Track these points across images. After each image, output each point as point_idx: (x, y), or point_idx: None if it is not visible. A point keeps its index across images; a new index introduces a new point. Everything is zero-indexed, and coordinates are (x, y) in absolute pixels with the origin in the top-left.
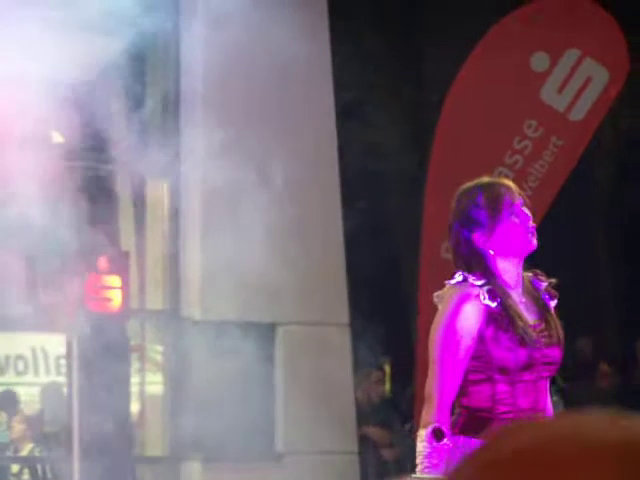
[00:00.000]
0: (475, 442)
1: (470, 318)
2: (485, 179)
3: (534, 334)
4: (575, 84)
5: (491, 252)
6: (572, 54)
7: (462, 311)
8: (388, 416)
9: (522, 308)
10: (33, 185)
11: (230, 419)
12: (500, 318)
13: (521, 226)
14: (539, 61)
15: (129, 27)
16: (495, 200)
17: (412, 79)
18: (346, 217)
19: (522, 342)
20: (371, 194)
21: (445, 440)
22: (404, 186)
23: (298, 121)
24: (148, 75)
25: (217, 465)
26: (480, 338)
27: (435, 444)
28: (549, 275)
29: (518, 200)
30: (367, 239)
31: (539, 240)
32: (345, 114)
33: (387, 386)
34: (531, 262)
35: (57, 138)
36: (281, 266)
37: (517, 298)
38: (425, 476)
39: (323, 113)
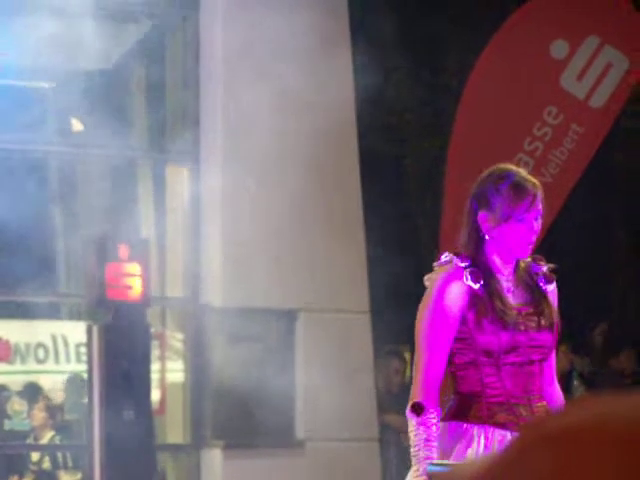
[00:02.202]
0: (465, 426)
1: (453, 298)
2: (522, 171)
3: (516, 316)
4: (595, 71)
5: (487, 237)
6: (592, 41)
7: (445, 291)
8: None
9: (507, 291)
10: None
11: (251, 406)
12: (481, 300)
13: (523, 234)
14: (559, 48)
15: (150, 14)
16: (516, 197)
17: (432, 64)
18: (366, 203)
19: (504, 325)
20: (391, 180)
21: (431, 416)
22: (424, 171)
23: (317, 105)
24: (168, 61)
25: (238, 452)
26: (463, 319)
27: (416, 418)
28: (570, 262)
29: (536, 209)
30: (387, 225)
31: (560, 227)
32: (365, 99)
33: (407, 373)
34: (551, 250)
35: (77, 125)
36: (302, 253)
37: (504, 282)
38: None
39: (343, 98)
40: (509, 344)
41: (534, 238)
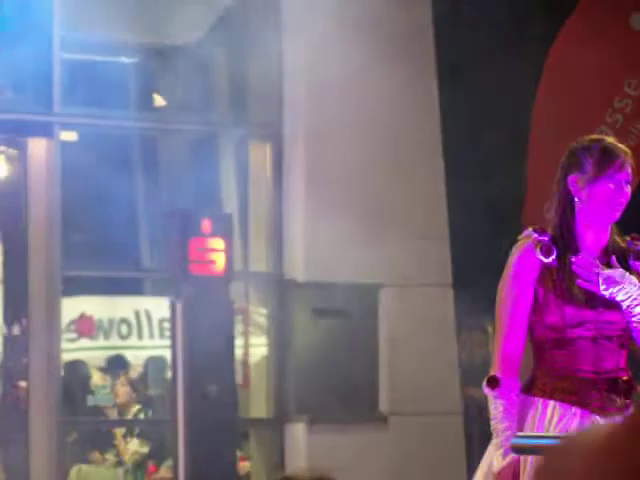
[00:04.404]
0: (531, 400)
1: (527, 272)
2: (611, 138)
3: (580, 292)
4: None
5: (576, 200)
6: None
7: (520, 265)
8: None
9: (583, 267)
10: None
11: (334, 381)
12: (551, 273)
13: (613, 195)
14: (638, 20)
15: None
16: (608, 156)
17: (511, 41)
18: (450, 182)
19: (569, 299)
20: (474, 153)
21: (508, 389)
22: (507, 149)
23: (399, 87)
24: (250, 36)
25: (321, 427)
26: (535, 293)
27: (491, 392)
28: None
29: (626, 172)
30: (471, 202)
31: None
32: (447, 80)
33: (490, 346)
34: (628, 225)
35: (159, 101)
36: (385, 228)
37: (587, 259)
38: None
39: (425, 78)
40: (574, 318)
41: (624, 201)
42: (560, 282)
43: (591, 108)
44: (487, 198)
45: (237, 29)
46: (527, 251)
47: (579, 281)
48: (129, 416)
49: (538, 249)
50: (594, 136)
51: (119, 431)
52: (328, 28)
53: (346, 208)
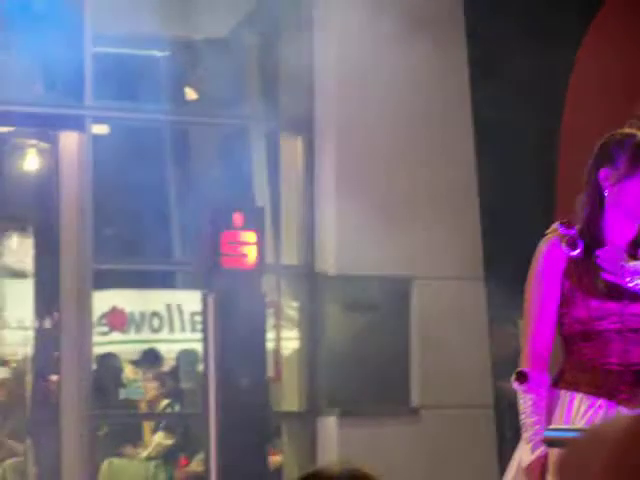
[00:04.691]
0: (558, 393)
1: (553, 265)
2: None
3: (604, 285)
4: None
5: (606, 194)
6: None
7: (546, 259)
8: None
9: (608, 260)
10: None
11: (366, 374)
12: (576, 266)
13: None
14: None
15: None
16: None
17: (542, 33)
18: (481, 175)
19: (594, 292)
20: (505, 150)
21: (536, 383)
22: (538, 140)
23: (431, 78)
24: (282, 30)
25: (353, 420)
26: (562, 286)
27: (520, 387)
28: None
29: None
30: (503, 194)
31: None
32: (478, 71)
33: (521, 340)
34: None
35: (191, 94)
36: (415, 221)
37: (612, 252)
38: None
39: (456, 68)
40: (599, 311)
41: None
42: (584, 275)
43: (622, 98)
44: (519, 191)
45: (268, 22)
46: (553, 245)
47: (604, 274)
48: (159, 409)
49: (564, 243)
50: (628, 130)
51: (148, 425)
52: (360, 20)
53: (377, 201)
